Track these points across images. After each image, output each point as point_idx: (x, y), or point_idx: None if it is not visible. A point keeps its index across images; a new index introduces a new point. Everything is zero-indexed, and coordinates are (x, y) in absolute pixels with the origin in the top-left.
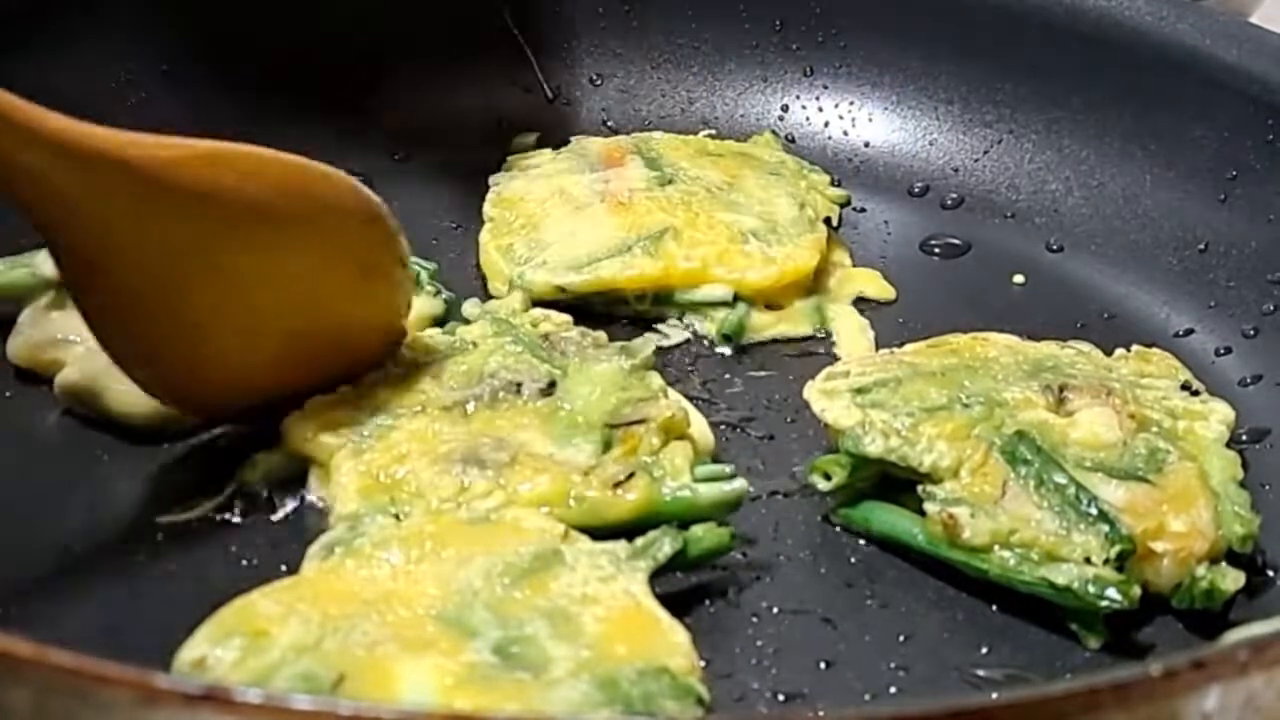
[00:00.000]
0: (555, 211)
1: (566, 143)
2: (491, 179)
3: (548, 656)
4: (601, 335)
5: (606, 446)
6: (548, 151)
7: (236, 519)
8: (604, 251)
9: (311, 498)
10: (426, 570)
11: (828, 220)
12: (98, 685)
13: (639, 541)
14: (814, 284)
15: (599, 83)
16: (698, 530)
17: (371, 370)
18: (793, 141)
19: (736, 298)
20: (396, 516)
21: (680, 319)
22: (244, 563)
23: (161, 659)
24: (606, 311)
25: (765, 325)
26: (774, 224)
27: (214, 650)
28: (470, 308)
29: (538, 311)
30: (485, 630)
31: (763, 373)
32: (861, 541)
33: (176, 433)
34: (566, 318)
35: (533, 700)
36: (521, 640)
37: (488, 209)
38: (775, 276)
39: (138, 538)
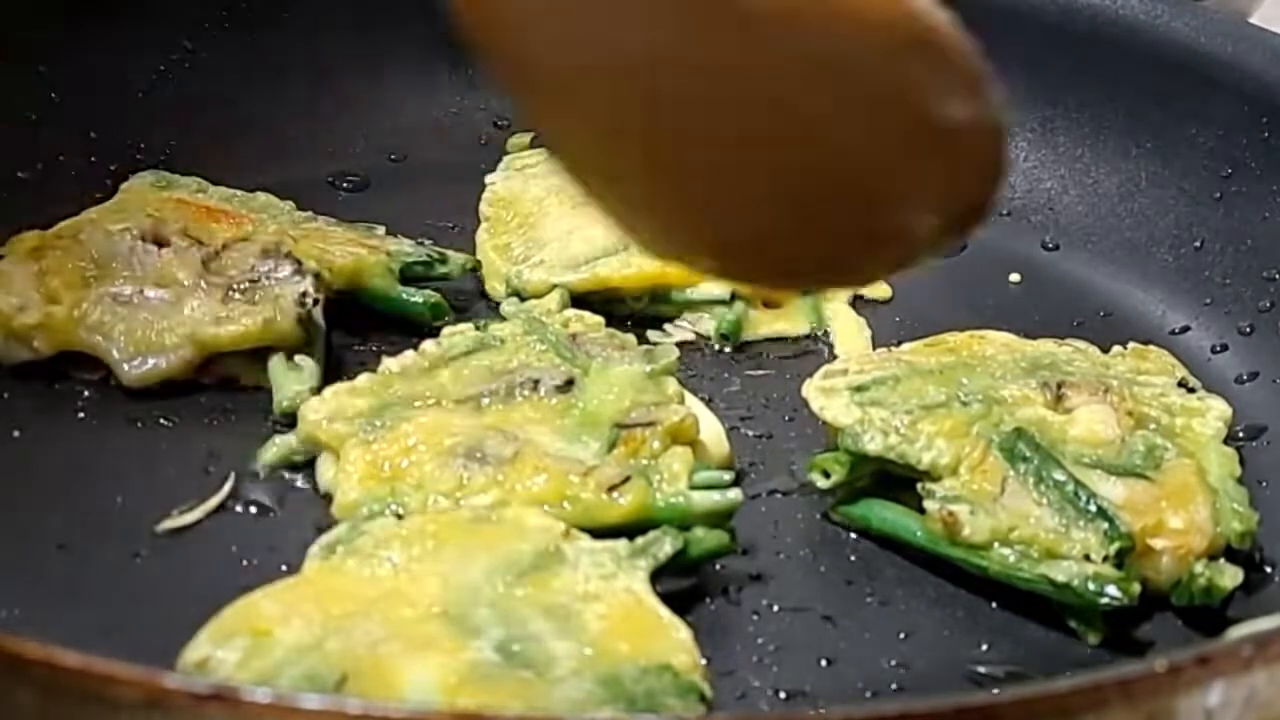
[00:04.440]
0: (552, 210)
1: None
2: (488, 179)
3: (550, 655)
4: (630, 338)
5: (612, 446)
6: (544, 151)
7: (236, 519)
8: (601, 250)
9: (318, 485)
10: (428, 569)
11: None
12: (105, 685)
13: (639, 540)
14: None
15: None
16: (698, 530)
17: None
18: None
19: (733, 296)
20: (398, 514)
21: (678, 318)
22: (244, 563)
23: (163, 660)
24: (604, 311)
25: (762, 324)
26: None
27: (217, 651)
28: (508, 306)
29: (571, 312)
30: (487, 629)
31: (760, 371)
32: (861, 539)
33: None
34: (599, 319)
35: (536, 698)
36: (524, 638)
37: (484, 208)
38: None
39: (138, 538)
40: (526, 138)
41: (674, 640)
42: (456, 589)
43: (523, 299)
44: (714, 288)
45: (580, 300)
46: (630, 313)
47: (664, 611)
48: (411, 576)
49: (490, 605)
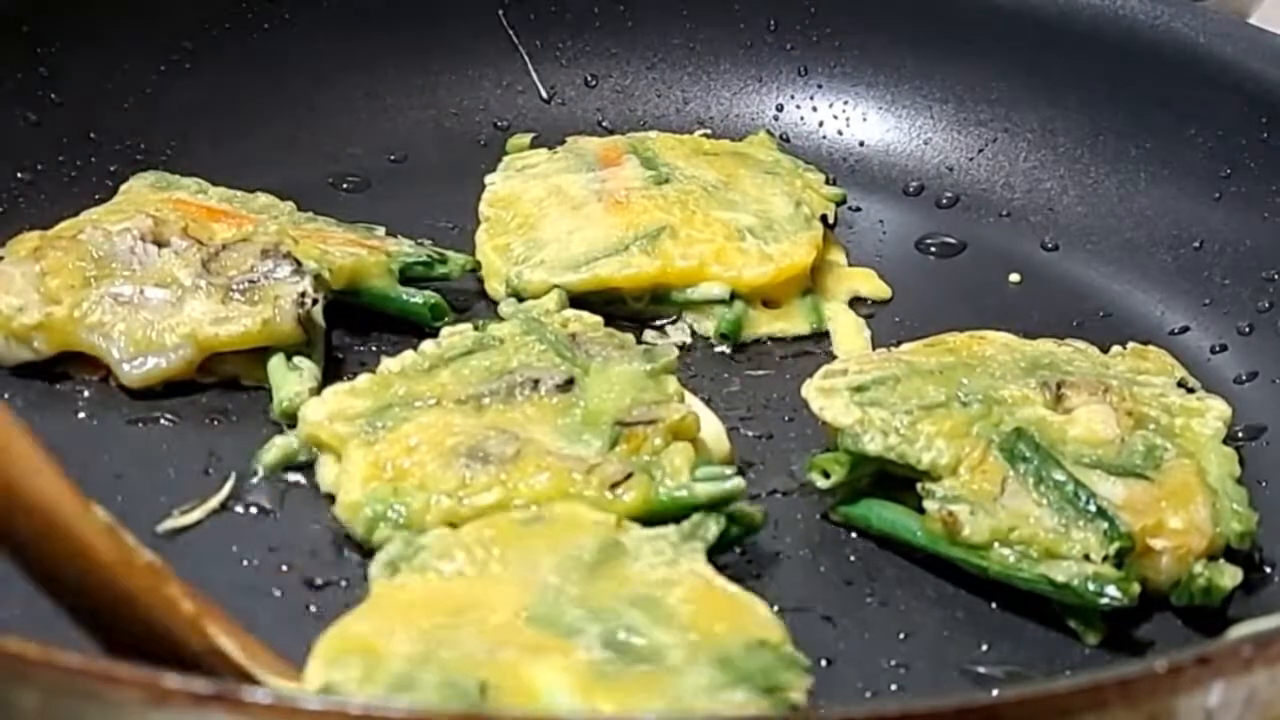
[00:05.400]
0: (552, 211)
1: (562, 143)
2: (487, 179)
3: (656, 645)
4: (629, 338)
5: (614, 445)
6: (544, 151)
7: (236, 519)
8: (601, 250)
9: (319, 485)
10: (499, 574)
11: (824, 218)
12: (107, 685)
13: (686, 524)
14: (810, 283)
15: (594, 83)
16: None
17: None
18: (787, 141)
19: (733, 296)
20: (400, 515)
21: (678, 318)
22: (244, 563)
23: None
24: (604, 311)
25: (762, 323)
26: (770, 221)
27: (334, 674)
28: (505, 307)
29: (569, 312)
30: (583, 626)
31: (760, 371)
32: (861, 539)
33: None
34: (597, 319)
35: (667, 690)
36: (622, 631)
37: (484, 209)
38: (772, 273)
39: (138, 538)
40: (526, 138)
41: (760, 616)
42: (535, 591)
43: (522, 299)
44: (714, 288)
45: (580, 300)
46: (630, 313)
47: (735, 589)
48: (485, 584)
49: (575, 603)
